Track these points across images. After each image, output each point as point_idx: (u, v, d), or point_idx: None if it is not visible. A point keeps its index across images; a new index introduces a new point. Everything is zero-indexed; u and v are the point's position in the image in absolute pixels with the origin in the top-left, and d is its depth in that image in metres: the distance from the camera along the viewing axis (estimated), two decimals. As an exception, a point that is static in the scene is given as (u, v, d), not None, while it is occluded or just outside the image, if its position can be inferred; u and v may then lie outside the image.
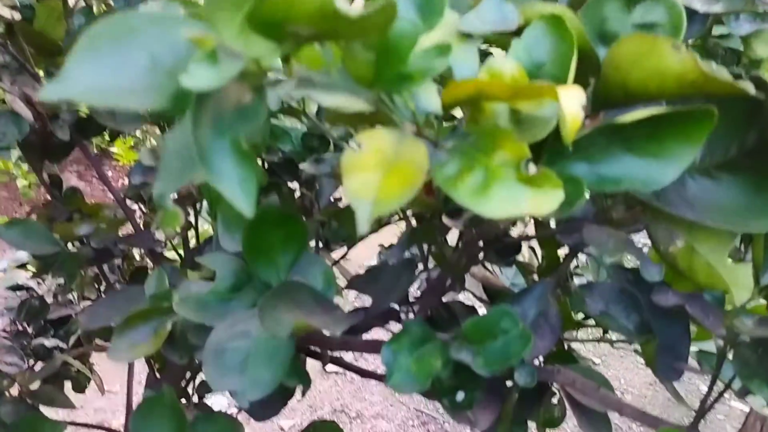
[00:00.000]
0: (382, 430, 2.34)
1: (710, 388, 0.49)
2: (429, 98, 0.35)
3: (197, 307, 0.48)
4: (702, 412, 0.50)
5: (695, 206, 0.41)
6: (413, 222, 0.61)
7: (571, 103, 0.31)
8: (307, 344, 0.66)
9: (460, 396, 0.52)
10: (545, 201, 0.32)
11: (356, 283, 0.61)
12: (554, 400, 0.76)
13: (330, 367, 2.63)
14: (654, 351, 0.53)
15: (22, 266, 1.38)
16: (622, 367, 2.61)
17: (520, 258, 0.63)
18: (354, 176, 0.31)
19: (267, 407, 0.70)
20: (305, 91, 0.34)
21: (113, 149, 3.29)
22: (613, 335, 0.75)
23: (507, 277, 0.75)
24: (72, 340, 1.30)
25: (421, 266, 0.66)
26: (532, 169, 0.32)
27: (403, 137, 0.33)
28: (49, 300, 1.29)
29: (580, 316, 0.75)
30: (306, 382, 0.58)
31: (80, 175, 3.59)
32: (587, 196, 0.35)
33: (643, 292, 0.53)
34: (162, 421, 0.50)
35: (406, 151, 0.32)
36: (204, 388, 1.00)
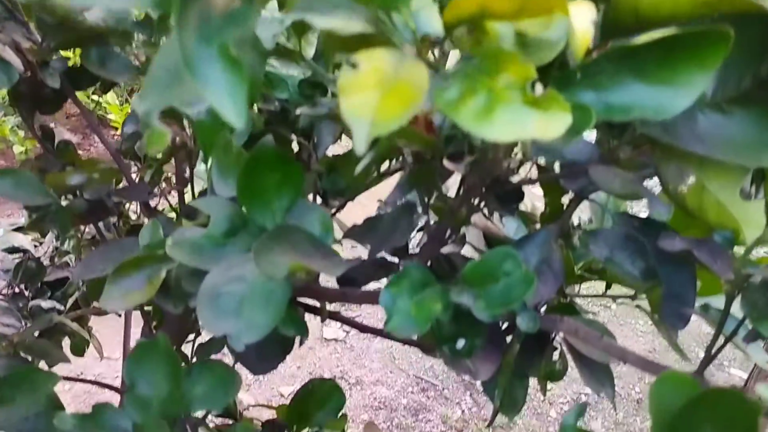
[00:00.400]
0: (382, 395, 2.35)
1: (717, 334, 0.48)
2: (429, 18, 0.33)
3: (191, 250, 0.47)
4: (708, 357, 0.49)
5: (706, 141, 0.39)
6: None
7: (581, 18, 0.30)
8: (305, 296, 0.64)
9: (461, 344, 0.51)
10: (552, 124, 0.30)
11: (354, 232, 0.59)
12: (555, 355, 0.75)
13: (329, 334, 2.63)
14: (659, 298, 0.52)
15: (19, 229, 1.38)
16: (621, 335, 2.61)
17: (522, 208, 0.61)
18: (351, 96, 0.29)
19: (265, 361, 0.69)
20: (300, 13, 0.32)
21: (110, 116, 3.25)
22: (616, 289, 0.74)
23: (509, 231, 0.74)
24: (69, 302, 1.29)
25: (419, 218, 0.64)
26: (539, 90, 0.30)
27: (403, 57, 0.31)
28: (46, 263, 1.29)
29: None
30: (303, 331, 0.57)
31: (78, 145, 3.57)
32: (593, 132, 0.34)
33: (650, 238, 0.52)
34: (156, 367, 0.49)
35: (405, 71, 0.31)
36: (203, 351, 0.99)
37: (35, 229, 0.82)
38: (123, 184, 0.86)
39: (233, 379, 0.52)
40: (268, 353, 0.69)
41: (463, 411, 2.30)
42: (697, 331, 2.68)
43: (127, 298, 0.53)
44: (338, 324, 2.68)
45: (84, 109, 0.72)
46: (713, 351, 0.49)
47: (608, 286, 0.74)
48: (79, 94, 0.74)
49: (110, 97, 3.17)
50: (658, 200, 0.43)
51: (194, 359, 0.98)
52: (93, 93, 3.21)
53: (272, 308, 0.44)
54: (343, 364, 2.49)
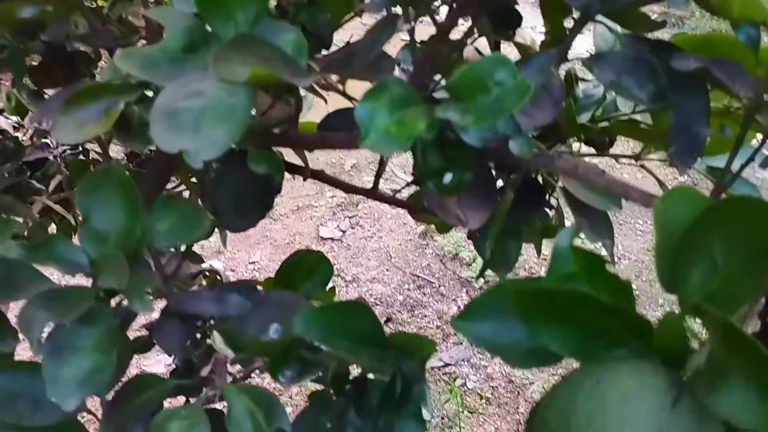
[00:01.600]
0: (378, 292, 2.35)
1: (731, 158, 0.43)
2: None
3: (143, 62, 0.42)
4: (720, 187, 0.44)
5: None
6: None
7: None
8: (281, 145, 0.59)
9: (448, 178, 0.47)
10: None
11: (331, 64, 0.53)
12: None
13: (326, 233, 2.62)
14: (667, 129, 0.47)
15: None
16: (620, 234, 2.59)
17: (520, 40, 0.56)
18: None
19: (243, 217, 0.65)
20: None
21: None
22: (618, 148, 0.69)
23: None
24: (52, 185, 1.26)
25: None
26: None
27: None
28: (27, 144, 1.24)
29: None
30: (279, 172, 0.53)
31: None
32: None
33: (661, 61, 0.46)
34: (111, 198, 0.45)
35: None
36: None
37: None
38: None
39: (199, 217, 0.48)
40: (246, 209, 0.65)
41: (459, 307, 2.30)
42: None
43: (83, 131, 0.48)
44: (335, 224, 2.66)
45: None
46: (726, 180, 0.45)
47: (611, 143, 0.70)
48: None
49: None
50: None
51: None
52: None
53: (232, 124, 0.39)
54: (339, 262, 2.48)
